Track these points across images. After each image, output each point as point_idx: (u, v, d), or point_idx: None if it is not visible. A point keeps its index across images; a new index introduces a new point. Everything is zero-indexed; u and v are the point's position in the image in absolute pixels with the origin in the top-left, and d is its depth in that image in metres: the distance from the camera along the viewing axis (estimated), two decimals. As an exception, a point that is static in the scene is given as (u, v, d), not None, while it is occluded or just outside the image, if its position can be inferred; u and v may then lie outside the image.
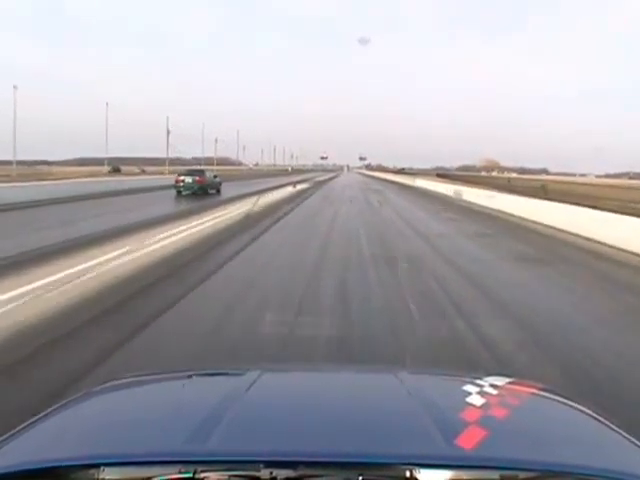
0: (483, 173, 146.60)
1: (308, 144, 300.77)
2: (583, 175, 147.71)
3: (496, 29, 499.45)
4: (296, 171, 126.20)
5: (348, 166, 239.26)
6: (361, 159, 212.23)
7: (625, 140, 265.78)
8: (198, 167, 36.15)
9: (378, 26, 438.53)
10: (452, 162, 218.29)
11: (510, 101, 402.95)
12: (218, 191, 30.27)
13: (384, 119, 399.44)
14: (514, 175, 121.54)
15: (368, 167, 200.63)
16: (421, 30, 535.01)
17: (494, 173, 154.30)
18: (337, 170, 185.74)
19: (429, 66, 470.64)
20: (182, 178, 28.65)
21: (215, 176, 31.94)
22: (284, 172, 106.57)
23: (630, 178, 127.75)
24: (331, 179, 72.72)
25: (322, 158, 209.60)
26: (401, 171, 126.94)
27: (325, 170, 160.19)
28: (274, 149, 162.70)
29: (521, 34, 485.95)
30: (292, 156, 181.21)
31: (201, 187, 28.33)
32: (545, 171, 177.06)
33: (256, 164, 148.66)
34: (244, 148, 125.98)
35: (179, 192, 27.70)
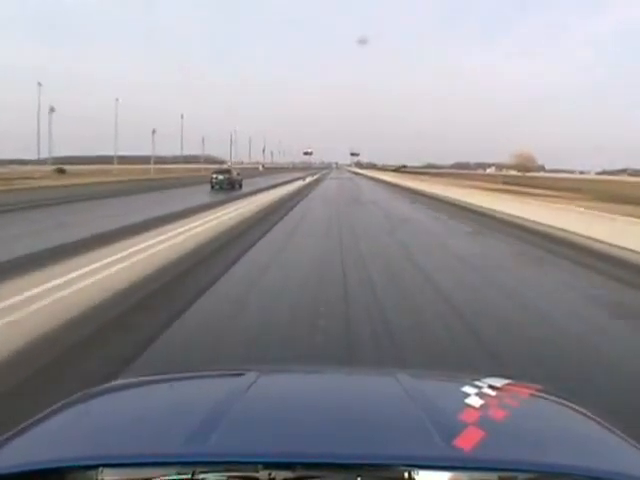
0: (480, 171, 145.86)
1: (291, 139, 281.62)
2: (582, 172, 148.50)
3: (491, 27, 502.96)
4: (272, 170, 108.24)
5: (337, 163, 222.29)
6: (353, 155, 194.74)
7: (621, 137, 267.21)
8: (226, 167, 47.49)
9: (371, 22, 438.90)
10: (444, 159, 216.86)
11: (506, 97, 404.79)
12: (240, 186, 38.39)
13: (374, 114, 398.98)
14: (512, 172, 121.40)
15: (357, 164, 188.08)
16: (417, 24, 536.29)
17: (489, 170, 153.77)
18: (325, 168, 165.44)
19: (422, 62, 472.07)
20: (215, 176, 37.62)
21: (238, 174, 40.95)
22: (254, 172, 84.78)
23: (629, 175, 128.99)
24: (303, 193, 34.84)
25: (306, 154, 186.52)
26: (402, 169, 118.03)
27: (310, 169, 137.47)
28: (231, 140, 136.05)
29: (515, 31, 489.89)
30: (264, 151, 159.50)
31: (229, 182, 37.28)
32: (542, 168, 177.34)
33: (241, 162, 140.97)
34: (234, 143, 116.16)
35: (212, 187, 36.24)
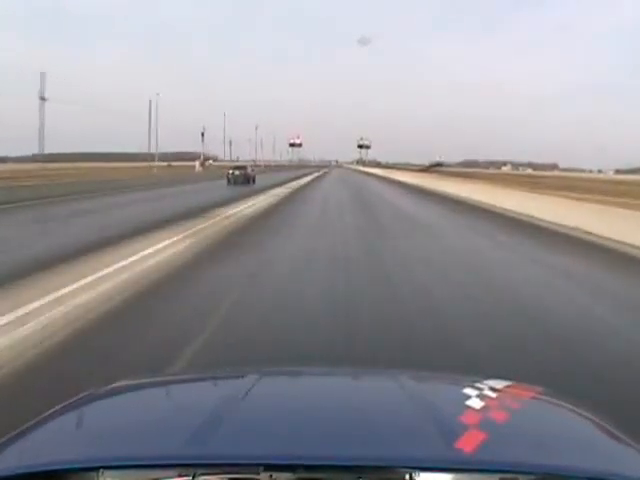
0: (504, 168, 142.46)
1: (279, 130, 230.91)
2: (600, 171, 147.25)
3: (496, 23, 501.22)
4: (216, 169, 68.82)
5: (337, 161, 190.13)
6: (361, 147, 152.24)
7: (630, 136, 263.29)
8: (242, 164, 51.89)
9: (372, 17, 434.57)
10: (451, 157, 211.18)
11: (517, 95, 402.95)
12: (254, 181, 41.99)
13: (378, 111, 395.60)
14: (529, 171, 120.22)
15: (360, 162, 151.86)
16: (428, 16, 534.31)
17: (505, 168, 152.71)
18: (324, 167, 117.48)
19: (429, 60, 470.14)
20: (231, 172, 41.91)
21: (252, 170, 45.91)
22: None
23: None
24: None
25: (293, 145, 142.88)
26: (432, 169, 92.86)
27: (301, 167, 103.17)
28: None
29: (518, 28, 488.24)
30: (203, 135, 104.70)
31: (245, 178, 41.02)
32: (555, 166, 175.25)
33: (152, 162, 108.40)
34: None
35: (229, 181, 39.86)
